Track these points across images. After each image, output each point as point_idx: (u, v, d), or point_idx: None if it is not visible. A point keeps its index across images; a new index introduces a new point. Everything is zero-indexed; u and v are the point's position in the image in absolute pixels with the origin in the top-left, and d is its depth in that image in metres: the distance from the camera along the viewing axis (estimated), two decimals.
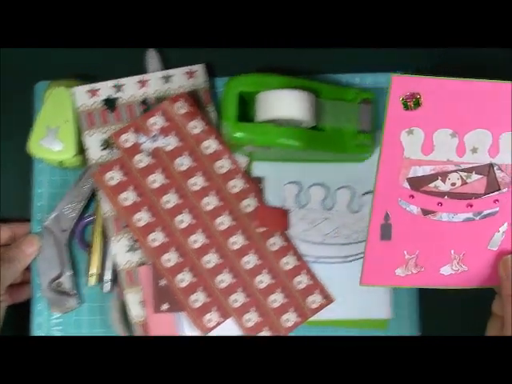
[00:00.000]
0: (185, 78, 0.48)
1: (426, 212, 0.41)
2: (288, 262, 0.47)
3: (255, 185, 0.48)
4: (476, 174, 0.40)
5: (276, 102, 0.43)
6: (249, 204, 0.47)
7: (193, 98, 0.48)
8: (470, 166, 0.40)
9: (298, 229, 0.47)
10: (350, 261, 0.47)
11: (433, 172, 0.40)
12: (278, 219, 0.47)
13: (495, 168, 0.40)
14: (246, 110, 0.45)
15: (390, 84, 0.38)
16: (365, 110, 0.44)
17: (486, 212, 0.41)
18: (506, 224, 0.42)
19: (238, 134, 0.44)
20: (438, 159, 0.40)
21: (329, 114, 0.45)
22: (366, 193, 0.47)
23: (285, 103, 0.43)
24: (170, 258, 0.47)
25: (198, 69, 0.49)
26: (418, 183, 0.40)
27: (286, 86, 0.44)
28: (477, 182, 0.40)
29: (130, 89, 0.48)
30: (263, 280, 0.47)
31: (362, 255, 0.43)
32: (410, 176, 0.40)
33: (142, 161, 0.47)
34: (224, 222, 0.47)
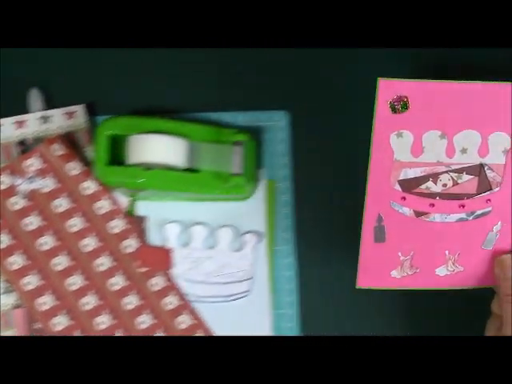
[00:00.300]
0: (64, 118, 0.48)
1: (418, 213, 0.42)
2: (171, 302, 0.47)
3: (137, 224, 0.47)
4: (467, 174, 0.41)
5: (146, 146, 0.43)
6: (130, 244, 0.47)
7: (71, 139, 0.47)
8: (461, 166, 0.40)
9: (181, 268, 0.47)
10: (233, 300, 0.47)
11: (423, 174, 0.40)
12: (161, 258, 0.47)
13: (486, 168, 0.40)
14: (119, 153, 0.45)
15: (377, 88, 0.38)
16: (237, 152, 0.44)
17: (478, 212, 0.41)
18: (499, 223, 0.42)
19: (108, 178, 0.44)
20: (428, 161, 0.40)
21: (201, 157, 0.44)
22: (247, 232, 0.47)
23: (155, 148, 0.43)
24: (46, 302, 0.46)
25: (78, 109, 0.48)
26: (409, 185, 0.41)
27: (159, 129, 0.44)
28: (468, 182, 0.41)
29: (7, 129, 0.48)
30: (145, 321, 0.47)
31: (244, 294, 0.46)
32: (400, 178, 0.41)
33: (17, 203, 0.46)
34: (104, 263, 0.47)
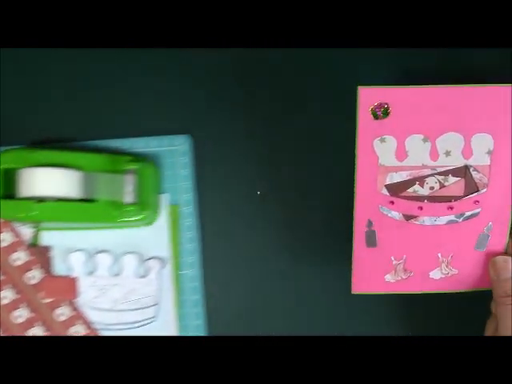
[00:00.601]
0: None
1: (408, 217, 0.42)
2: (77, 331, 0.47)
3: (42, 255, 0.47)
4: (453, 176, 0.41)
5: (36, 180, 0.43)
6: (34, 275, 0.47)
7: None
8: (446, 169, 0.41)
9: (87, 296, 0.47)
10: (139, 326, 0.47)
11: (410, 177, 0.41)
12: (66, 288, 0.47)
13: (471, 169, 0.41)
14: (14, 186, 0.44)
15: (358, 96, 0.40)
16: (130, 181, 0.44)
17: (468, 213, 0.42)
18: (490, 224, 0.42)
19: (2, 212, 0.44)
20: (412, 164, 0.41)
21: (95, 187, 0.44)
22: (152, 258, 0.47)
23: (45, 181, 0.43)
24: None
25: None
26: (396, 189, 0.42)
27: (52, 161, 0.44)
28: (454, 184, 0.42)
29: None
30: None
31: (151, 320, 0.46)
32: (387, 183, 0.42)
33: None
34: (6, 296, 0.47)
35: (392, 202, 0.42)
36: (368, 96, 0.40)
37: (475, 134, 0.40)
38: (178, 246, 0.48)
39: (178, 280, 0.48)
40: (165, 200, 0.48)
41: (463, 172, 0.41)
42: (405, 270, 0.44)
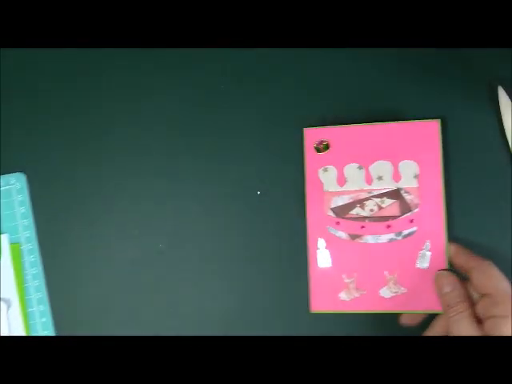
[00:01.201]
0: None
1: (353, 236, 0.49)
2: None
3: None
4: (388, 198, 0.48)
5: None
6: None
7: None
8: (381, 192, 0.48)
9: None
10: None
11: (351, 200, 0.49)
12: None
13: (402, 192, 0.48)
14: None
15: (303, 136, 0.50)
16: None
17: (405, 232, 0.48)
18: (428, 242, 0.47)
19: None
20: (352, 189, 0.49)
21: None
22: None
23: None
24: None
25: None
26: (341, 211, 0.49)
27: None
28: (390, 206, 0.48)
29: None
30: None
31: None
32: (332, 206, 0.49)
33: None
34: None
35: (338, 223, 0.49)
36: (311, 135, 0.50)
37: (402, 161, 0.48)
38: (23, 284, 0.48)
39: (27, 318, 0.49)
40: (4, 240, 0.49)
41: (396, 194, 0.48)
42: (357, 289, 0.48)
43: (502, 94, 0.47)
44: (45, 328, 0.49)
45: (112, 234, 0.52)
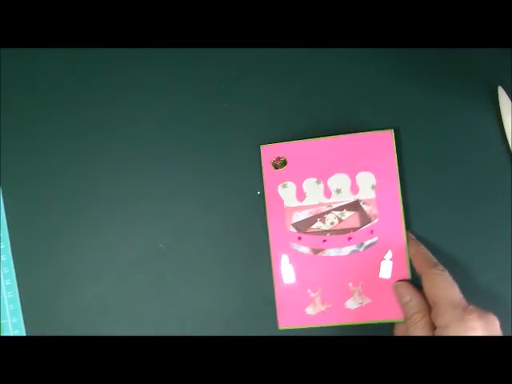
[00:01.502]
0: None
1: (315, 251, 0.49)
2: None
3: None
4: (347, 211, 0.48)
5: None
6: None
7: None
8: (340, 204, 0.49)
9: None
10: None
11: (311, 215, 0.49)
12: None
13: (361, 203, 0.48)
14: None
15: (260, 153, 0.50)
16: None
17: (366, 243, 0.48)
18: (389, 252, 0.47)
19: None
20: (311, 203, 0.49)
21: None
22: None
23: None
24: None
25: None
26: (302, 226, 0.49)
27: None
28: (350, 218, 0.48)
29: None
30: None
31: None
32: (293, 222, 0.49)
33: None
34: None
35: (300, 238, 0.49)
36: (268, 152, 0.50)
37: (359, 173, 0.48)
38: None
39: (1, 330, 0.51)
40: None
41: (355, 206, 0.48)
42: (322, 302, 0.48)
43: (502, 94, 0.47)
44: (15, 327, 0.50)
45: (112, 234, 0.53)
